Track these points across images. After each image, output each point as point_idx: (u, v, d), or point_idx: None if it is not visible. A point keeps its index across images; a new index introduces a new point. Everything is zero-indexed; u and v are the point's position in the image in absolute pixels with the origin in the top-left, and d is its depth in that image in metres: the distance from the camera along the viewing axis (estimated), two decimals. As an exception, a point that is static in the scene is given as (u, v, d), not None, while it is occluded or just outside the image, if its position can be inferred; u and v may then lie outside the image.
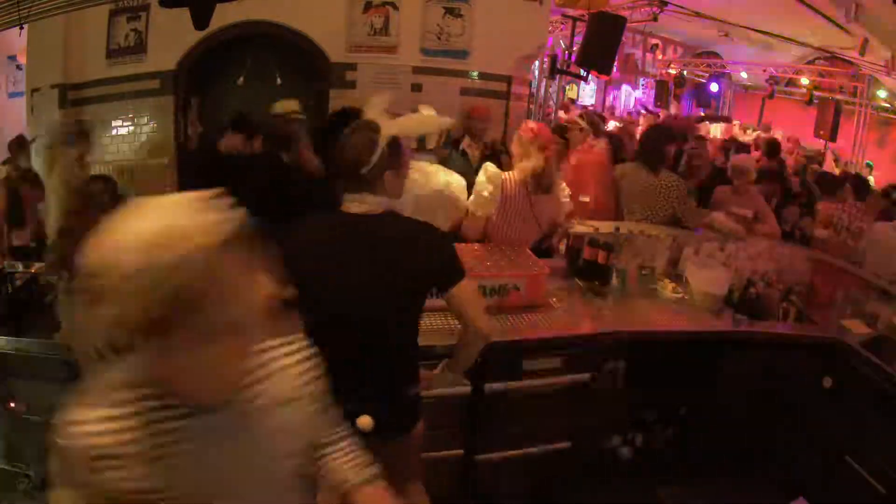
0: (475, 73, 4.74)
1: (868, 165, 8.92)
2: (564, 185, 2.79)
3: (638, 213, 3.20)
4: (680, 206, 3.17)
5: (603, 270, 2.59)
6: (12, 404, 2.11)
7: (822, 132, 9.25)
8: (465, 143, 3.64)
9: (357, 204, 1.51)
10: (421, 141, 3.08)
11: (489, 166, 2.61)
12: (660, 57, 11.59)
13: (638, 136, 5.04)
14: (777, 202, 4.33)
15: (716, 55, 11.90)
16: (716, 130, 10.30)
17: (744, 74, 11.55)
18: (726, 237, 2.98)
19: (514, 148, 2.65)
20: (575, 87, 11.97)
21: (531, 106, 5.88)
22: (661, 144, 3.33)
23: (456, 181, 2.65)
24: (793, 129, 10.87)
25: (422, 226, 1.57)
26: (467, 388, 2.13)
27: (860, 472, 2.23)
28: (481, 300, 2.05)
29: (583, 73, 5.79)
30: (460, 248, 2.45)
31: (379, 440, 1.47)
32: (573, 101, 11.36)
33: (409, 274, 1.50)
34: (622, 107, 12.33)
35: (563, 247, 2.95)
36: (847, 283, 2.87)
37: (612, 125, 8.27)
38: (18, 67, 5.47)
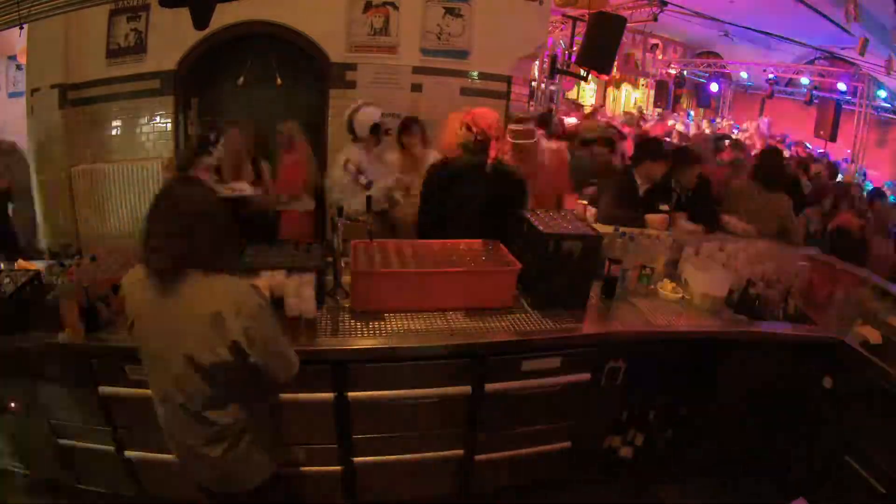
0: (475, 73, 4.74)
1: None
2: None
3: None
4: (787, 222, 3.35)
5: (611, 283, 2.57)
6: (12, 404, 2.11)
7: (822, 132, 9.25)
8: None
9: None
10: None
11: None
12: (660, 57, 11.58)
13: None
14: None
15: (716, 55, 11.90)
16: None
17: (744, 74, 11.54)
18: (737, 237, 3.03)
19: None
20: (575, 87, 11.94)
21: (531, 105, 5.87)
22: (779, 166, 3.62)
23: None
24: (793, 129, 10.86)
25: None
26: (467, 388, 2.13)
27: (860, 472, 2.22)
28: None
29: (583, 72, 5.80)
30: (436, 243, 2.52)
31: None
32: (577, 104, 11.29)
33: None
34: (621, 107, 12.31)
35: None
36: (847, 283, 2.87)
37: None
38: (18, 67, 5.47)
